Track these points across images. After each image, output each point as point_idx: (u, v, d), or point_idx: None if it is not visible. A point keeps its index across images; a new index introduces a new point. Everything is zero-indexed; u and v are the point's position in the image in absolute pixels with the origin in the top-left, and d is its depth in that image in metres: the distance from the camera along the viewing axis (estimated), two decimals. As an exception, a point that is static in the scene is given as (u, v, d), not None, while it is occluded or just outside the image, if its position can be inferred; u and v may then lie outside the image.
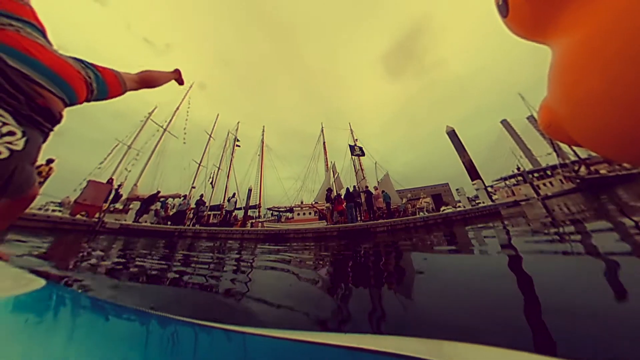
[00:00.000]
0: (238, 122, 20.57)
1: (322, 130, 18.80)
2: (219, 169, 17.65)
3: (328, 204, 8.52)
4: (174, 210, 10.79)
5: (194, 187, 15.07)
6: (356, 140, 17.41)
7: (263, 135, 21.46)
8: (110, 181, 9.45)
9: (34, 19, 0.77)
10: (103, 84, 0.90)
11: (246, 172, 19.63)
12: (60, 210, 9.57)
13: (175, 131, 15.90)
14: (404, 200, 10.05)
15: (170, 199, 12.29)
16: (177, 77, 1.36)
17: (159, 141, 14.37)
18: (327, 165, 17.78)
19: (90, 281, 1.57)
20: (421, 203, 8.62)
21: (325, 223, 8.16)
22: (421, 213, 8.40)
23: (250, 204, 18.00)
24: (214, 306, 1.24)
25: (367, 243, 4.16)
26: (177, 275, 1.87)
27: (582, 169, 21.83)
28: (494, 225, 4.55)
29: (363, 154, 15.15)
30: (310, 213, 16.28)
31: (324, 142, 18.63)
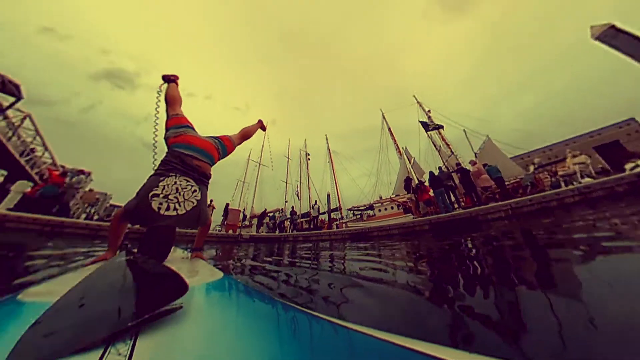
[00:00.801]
0: (305, 139, 23.29)
1: (383, 117, 17.25)
2: (300, 183, 20.63)
3: (410, 195, 7.54)
4: (278, 221, 13.72)
5: (286, 202, 18.55)
6: (429, 111, 14.39)
7: (327, 143, 22.86)
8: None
9: (186, 121, 1.37)
10: (224, 147, 1.40)
11: (322, 180, 21.57)
12: (220, 230, 15.03)
13: (265, 162, 20.62)
14: (531, 168, 6.80)
15: (275, 213, 15.88)
16: (261, 125, 1.91)
17: (258, 173, 19.16)
18: (399, 151, 15.91)
19: (243, 273, 2.31)
20: (568, 166, 5.42)
21: (412, 217, 7.24)
22: (574, 183, 5.37)
23: (332, 208, 19.40)
24: (316, 299, 1.31)
25: (475, 235, 3.28)
26: (288, 270, 2.28)
27: None
28: None
29: (439, 127, 12.24)
30: (392, 207, 15.08)
31: (389, 129, 16.93)
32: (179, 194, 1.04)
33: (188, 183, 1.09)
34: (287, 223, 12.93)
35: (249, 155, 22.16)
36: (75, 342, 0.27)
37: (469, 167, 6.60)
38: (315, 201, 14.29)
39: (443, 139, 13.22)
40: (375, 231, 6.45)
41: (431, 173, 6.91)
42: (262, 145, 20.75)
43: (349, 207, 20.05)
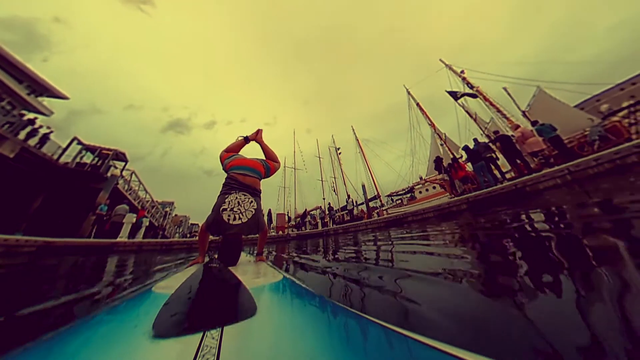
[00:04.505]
0: (332, 135, 23.67)
1: (407, 93, 15.91)
2: (335, 178, 21.26)
3: (442, 175, 7.10)
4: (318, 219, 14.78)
5: (324, 199, 19.53)
6: (462, 72, 12.43)
7: (354, 133, 22.58)
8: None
9: (234, 151, 1.71)
10: (267, 166, 1.68)
11: (355, 171, 21.53)
12: (274, 231, 17.31)
13: (299, 166, 22.11)
14: (596, 119, 5.21)
15: (316, 211, 17.12)
16: (255, 136, 1.92)
17: (294, 177, 20.81)
18: (432, 126, 14.47)
19: (296, 273, 2.13)
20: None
21: (449, 196, 6.83)
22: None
23: (369, 197, 19.36)
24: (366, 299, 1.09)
25: (526, 210, 2.93)
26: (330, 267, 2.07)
27: None
28: None
29: (470, 94, 10.49)
30: (434, 187, 14.03)
31: (417, 104, 15.54)
32: (241, 206, 1.27)
33: (245, 197, 1.33)
34: (327, 219, 13.81)
35: (284, 162, 24.15)
36: (187, 324, 0.36)
37: (509, 131, 5.70)
38: (349, 195, 14.65)
39: (487, 100, 11.26)
40: (409, 216, 6.46)
41: (466, 147, 6.35)
42: (294, 152, 22.45)
43: (388, 193, 19.56)
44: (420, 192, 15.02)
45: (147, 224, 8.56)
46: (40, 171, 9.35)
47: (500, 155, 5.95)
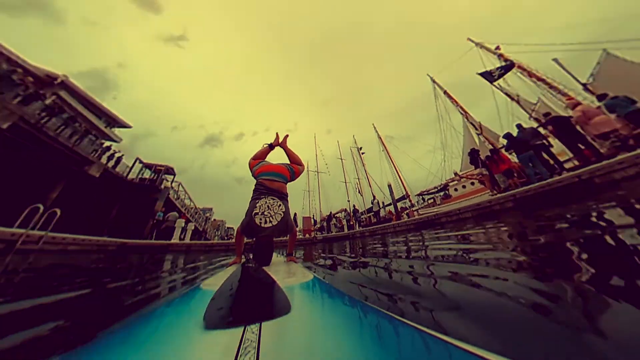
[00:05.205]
0: (353, 135, 23.41)
1: (432, 81, 14.73)
2: (359, 179, 20.89)
3: (480, 170, 6.32)
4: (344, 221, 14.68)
5: (348, 201, 19.30)
6: (497, 49, 10.75)
7: (376, 131, 21.87)
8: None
9: (262, 158, 1.81)
10: (292, 169, 1.74)
11: (381, 170, 20.71)
12: (300, 234, 17.83)
13: (322, 169, 22.47)
14: None
15: (341, 214, 17.05)
16: (277, 142, 1.99)
17: (318, 181, 21.18)
18: (466, 115, 13.03)
19: (325, 273, 2.20)
20: None
21: (490, 193, 6.04)
22: None
23: (397, 197, 18.34)
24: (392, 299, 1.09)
25: (597, 207, 2.30)
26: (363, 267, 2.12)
27: None
28: None
29: (507, 68, 8.94)
30: (472, 184, 12.52)
31: (444, 92, 14.24)
32: (271, 210, 1.35)
33: (274, 200, 1.41)
34: (352, 221, 13.61)
35: (307, 166, 24.81)
36: (231, 318, 0.40)
37: (568, 112, 4.73)
38: (374, 196, 14.17)
39: (532, 77, 9.49)
40: (442, 217, 5.93)
41: (508, 135, 5.55)
42: (316, 155, 22.94)
43: (419, 192, 18.24)
44: (455, 190, 13.59)
45: (193, 228, 9.81)
46: (116, 186, 11.65)
47: (555, 142, 5.03)
